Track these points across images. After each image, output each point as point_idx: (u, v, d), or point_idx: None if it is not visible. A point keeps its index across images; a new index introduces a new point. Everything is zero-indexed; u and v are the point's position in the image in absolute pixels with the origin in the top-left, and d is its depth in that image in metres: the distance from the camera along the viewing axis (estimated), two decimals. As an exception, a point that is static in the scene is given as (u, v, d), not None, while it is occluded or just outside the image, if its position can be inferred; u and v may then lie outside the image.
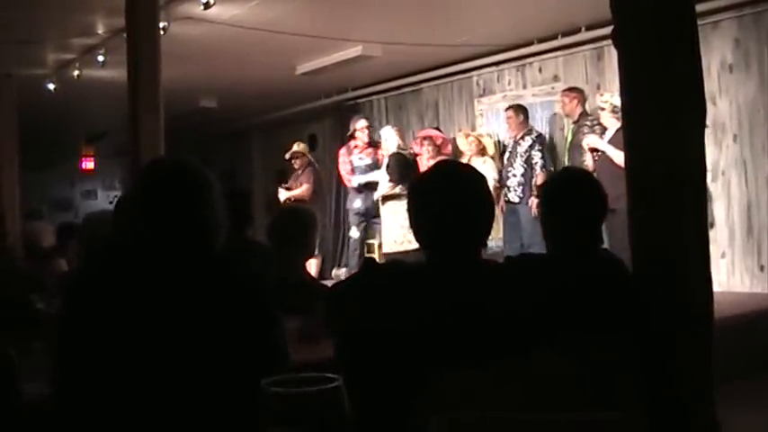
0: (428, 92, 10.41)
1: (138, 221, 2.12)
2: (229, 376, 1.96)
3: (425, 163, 8.28)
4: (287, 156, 9.79)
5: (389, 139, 8.62)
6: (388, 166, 8.45)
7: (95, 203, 16.23)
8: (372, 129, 9.35)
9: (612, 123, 6.85)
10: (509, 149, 8.19)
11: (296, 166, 9.75)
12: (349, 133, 9.36)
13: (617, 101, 6.68)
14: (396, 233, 8.22)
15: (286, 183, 9.89)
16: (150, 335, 1.95)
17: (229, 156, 14.46)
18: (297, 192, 9.51)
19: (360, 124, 9.14)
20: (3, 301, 3.44)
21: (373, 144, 9.16)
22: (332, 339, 2.23)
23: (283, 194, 9.63)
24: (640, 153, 2.66)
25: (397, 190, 8.23)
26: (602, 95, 7.23)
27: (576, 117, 7.56)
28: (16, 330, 3.04)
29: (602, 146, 6.92)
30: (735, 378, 4.02)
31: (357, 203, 9.09)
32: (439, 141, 8.67)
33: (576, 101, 7.60)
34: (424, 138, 8.70)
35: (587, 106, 7.71)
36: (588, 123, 7.36)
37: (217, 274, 2.10)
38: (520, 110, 8.17)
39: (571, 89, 7.83)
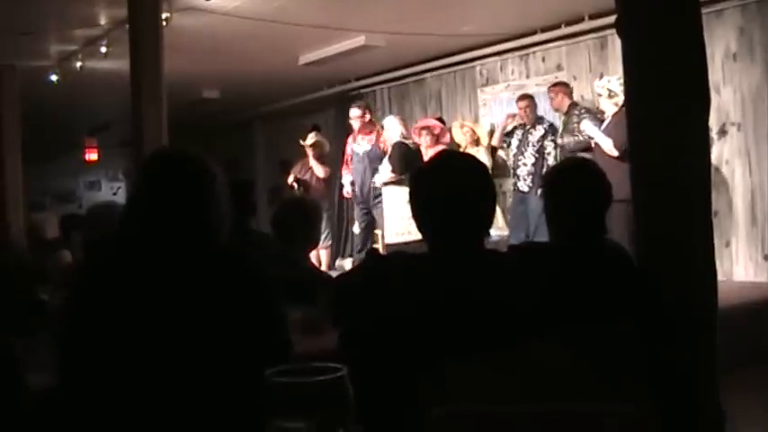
0: (431, 81, 10.40)
1: (142, 213, 2.12)
2: (233, 367, 1.97)
3: (424, 152, 8.27)
4: (308, 142, 9.55)
5: (392, 129, 8.58)
6: (390, 157, 8.42)
7: (99, 195, 16.27)
8: (372, 113, 9.25)
9: (610, 108, 6.82)
10: (518, 138, 8.10)
11: (312, 155, 9.54)
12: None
13: (613, 86, 6.68)
14: (397, 224, 8.21)
15: (289, 172, 9.81)
16: (154, 326, 1.95)
17: (232, 146, 14.46)
18: (319, 170, 9.39)
19: (352, 113, 9.02)
20: (7, 293, 3.45)
21: (374, 129, 9.06)
22: (335, 330, 2.23)
23: (319, 168, 9.49)
24: (644, 142, 2.65)
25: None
26: (599, 79, 7.20)
27: (565, 109, 7.55)
28: (20, 321, 3.04)
29: (594, 133, 6.89)
30: (739, 367, 4.02)
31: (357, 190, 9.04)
32: (437, 131, 8.59)
33: (560, 94, 7.61)
34: (423, 128, 8.65)
35: (583, 96, 7.68)
36: (576, 113, 7.35)
37: (220, 266, 2.10)
38: (534, 99, 8.11)
39: (555, 84, 7.83)
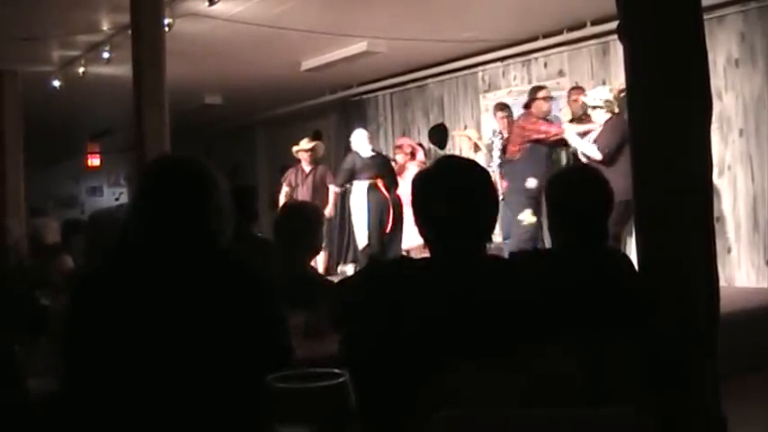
0: (433, 87, 10.41)
1: (144, 219, 2.12)
2: (234, 373, 1.96)
3: (398, 167, 8.98)
4: (303, 146, 9.41)
5: (357, 143, 8.63)
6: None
7: (101, 200, 16.28)
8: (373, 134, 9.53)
9: (600, 118, 6.76)
10: (498, 148, 8.13)
11: (308, 161, 9.35)
12: None
13: (603, 94, 6.67)
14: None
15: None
16: (155, 332, 1.95)
17: (234, 151, 14.47)
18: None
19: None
20: (8, 298, 3.45)
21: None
22: (337, 335, 2.23)
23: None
24: (646, 148, 2.65)
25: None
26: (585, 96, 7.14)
27: (580, 114, 7.53)
28: (21, 327, 3.04)
29: (576, 143, 6.86)
30: (740, 373, 4.02)
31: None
32: (409, 150, 9.23)
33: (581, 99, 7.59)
34: (396, 147, 9.44)
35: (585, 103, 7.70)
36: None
37: (222, 271, 2.09)
38: (510, 108, 8.24)
39: (574, 88, 7.82)
